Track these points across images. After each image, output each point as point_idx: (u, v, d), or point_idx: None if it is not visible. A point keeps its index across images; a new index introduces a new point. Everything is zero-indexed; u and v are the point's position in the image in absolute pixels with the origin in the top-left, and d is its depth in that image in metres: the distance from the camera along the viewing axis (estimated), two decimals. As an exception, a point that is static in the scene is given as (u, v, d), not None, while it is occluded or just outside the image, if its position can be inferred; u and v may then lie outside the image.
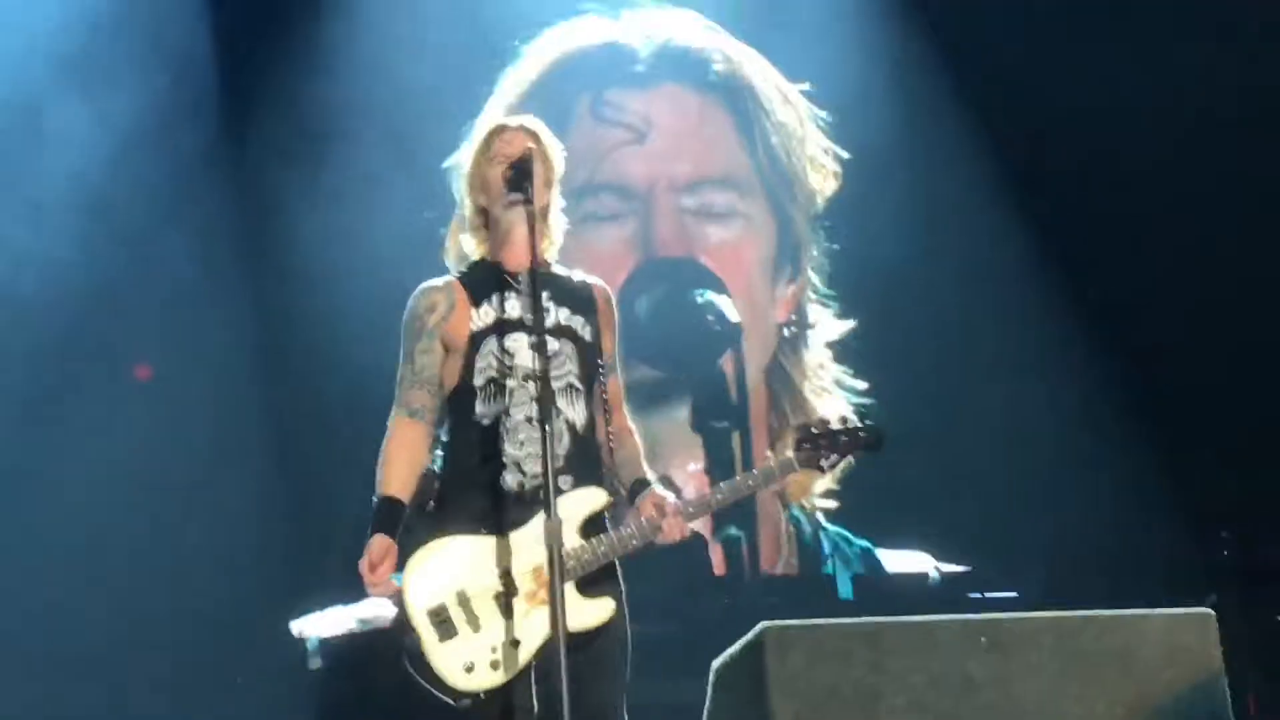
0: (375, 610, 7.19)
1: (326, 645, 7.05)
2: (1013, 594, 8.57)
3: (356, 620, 7.32)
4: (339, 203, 8.73)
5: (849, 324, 9.38)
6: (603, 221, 9.19)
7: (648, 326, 8.80)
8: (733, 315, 9.26)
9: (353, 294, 8.30)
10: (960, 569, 9.08)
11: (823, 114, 9.45)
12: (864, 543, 9.20)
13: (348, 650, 7.06)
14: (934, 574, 9.00)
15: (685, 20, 9.56)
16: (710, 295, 9.29)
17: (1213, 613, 4.92)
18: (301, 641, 7.12)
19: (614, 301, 5.09)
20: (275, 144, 8.89)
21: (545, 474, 4.46)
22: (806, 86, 9.45)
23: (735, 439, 9.03)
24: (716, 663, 5.06)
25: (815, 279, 9.47)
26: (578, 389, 4.83)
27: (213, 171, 8.88)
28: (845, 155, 9.42)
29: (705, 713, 5.09)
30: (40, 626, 8.26)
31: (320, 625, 7.30)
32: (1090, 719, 4.71)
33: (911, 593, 8.76)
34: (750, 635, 4.82)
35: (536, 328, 4.61)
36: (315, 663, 7.07)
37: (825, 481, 8.28)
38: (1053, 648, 4.77)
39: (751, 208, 9.48)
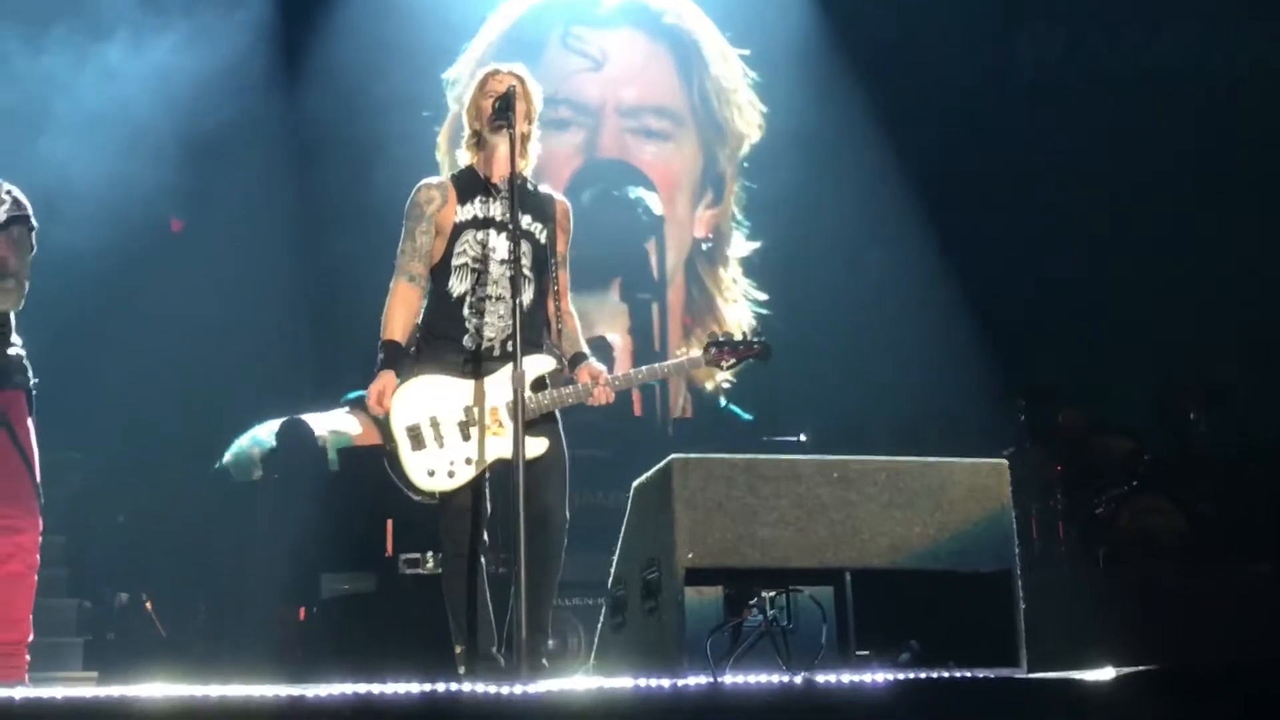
0: (343, 423, 8.39)
1: (340, 453, 7.94)
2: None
3: (329, 430, 8.45)
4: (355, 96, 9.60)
5: (756, 244, 10.19)
6: (560, 128, 9.73)
7: (589, 213, 9.17)
8: (657, 209, 9.95)
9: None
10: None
11: (754, 74, 10.27)
12: (748, 417, 9.88)
13: (354, 458, 7.96)
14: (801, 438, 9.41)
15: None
16: (640, 191, 9.92)
17: (1006, 462, 5.61)
18: (323, 448, 8.01)
19: (570, 213, 5.74)
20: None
21: (514, 337, 5.18)
22: (746, 52, 10.28)
23: (654, 309, 9.62)
24: (636, 483, 5.69)
25: (734, 208, 10.20)
26: (529, 277, 5.48)
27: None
28: (764, 108, 10.19)
29: (625, 520, 5.75)
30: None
31: (319, 423, 8.26)
32: (909, 537, 5.40)
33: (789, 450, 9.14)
34: (661, 463, 5.44)
35: (514, 227, 5.31)
36: (333, 466, 7.93)
37: (722, 375, 8.48)
38: (884, 482, 5.46)
39: (681, 136, 10.16)
